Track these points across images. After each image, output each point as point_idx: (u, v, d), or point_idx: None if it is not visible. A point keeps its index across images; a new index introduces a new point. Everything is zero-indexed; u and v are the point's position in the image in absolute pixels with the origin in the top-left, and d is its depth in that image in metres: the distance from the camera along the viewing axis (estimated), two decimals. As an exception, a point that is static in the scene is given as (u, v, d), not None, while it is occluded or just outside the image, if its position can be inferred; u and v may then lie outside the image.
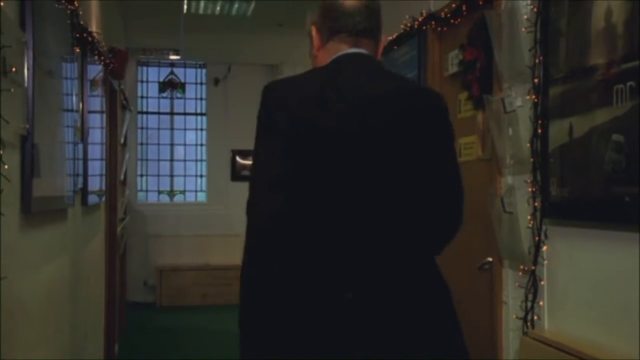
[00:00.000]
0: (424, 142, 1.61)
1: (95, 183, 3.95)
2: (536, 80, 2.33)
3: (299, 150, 1.54)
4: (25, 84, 2.09)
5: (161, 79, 8.73)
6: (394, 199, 1.59)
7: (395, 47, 3.94)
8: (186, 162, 8.76)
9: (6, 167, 1.78)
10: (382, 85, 1.63)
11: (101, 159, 4.31)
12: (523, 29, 2.43)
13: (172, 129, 8.76)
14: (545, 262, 2.33)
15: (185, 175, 8.75)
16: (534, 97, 2.34)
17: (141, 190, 8.64)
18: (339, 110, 1.57)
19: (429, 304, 1.61)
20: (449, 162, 1.68)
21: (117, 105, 5.57)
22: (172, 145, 8.74)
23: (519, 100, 2.46)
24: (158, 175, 8.71)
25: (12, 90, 1.83)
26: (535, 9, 2.35)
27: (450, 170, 1.68)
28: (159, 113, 8.74)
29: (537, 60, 2.33)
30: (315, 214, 1.55)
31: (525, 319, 2.41)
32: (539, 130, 2.31)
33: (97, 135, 4.04)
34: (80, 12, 3.20)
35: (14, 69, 1.84)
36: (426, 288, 1.61)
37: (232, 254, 8.06)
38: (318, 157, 1.55)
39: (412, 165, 1.60)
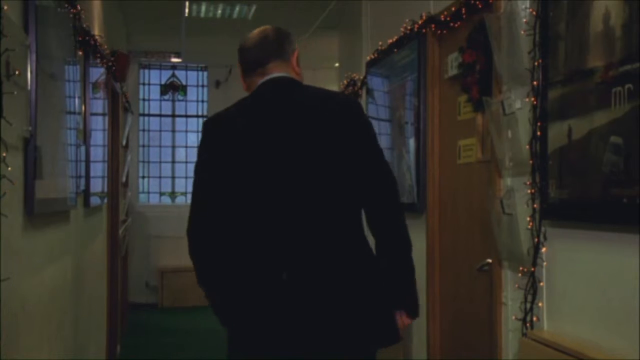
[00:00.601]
0: (345, 138, 1.92)
1: (98, 185, 3.97)
2: (535, 83, 2.34)
3: (233, 167, 1.91)
4: (28, 87, 2.11)
5: (162, 82, 8.76)
6: (323, 195, 1.90)
7: (395, 50, 3.96)
8: (187, 164, 8.78)
9: (9, 169, 1.79)
10: (298, 98, 1.99)
11: (103, 161, 4.33)
12: (522, 32, 2.44)
13: (173, 131, 8.78)
14: (545, 263, 2.34)
15: (186, 177, 8.77)
16: (533, 99, 2.35)
17: (143, 192, 8.66)
18: (265, 128, 1.92)
19: (354, 284, 1.90)
20: (373, 152, 1.97)
21: (119, 108, 5.59)
22: (173, 147, 8.77)
23: (518, 103, 2.48)
24: (160, 177, 8.73)
25: (15, 92, 1.85)
26: (534, 12, 2.37)
27: (376, 159, 1.97)
28: (160, 115, 8.76)
29: (536, 63, 2.34)
30: (256, 214, 1.90)
31: (524, 320, 2.42)
32: (538, 133, 2.32)
33: (99, 137, 4.06)
34: (83, 16, 3.21)
35: (17, 72, 1.86)
36: (352, 270, 1.90)
37: (233, 255, 8.05)
38: (252, 167, 1.90)
39: (338, 161, 1.91)
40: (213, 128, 1.99)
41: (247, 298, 1.89)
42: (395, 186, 2.01)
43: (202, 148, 1.98)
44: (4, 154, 1.75)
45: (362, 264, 1.94)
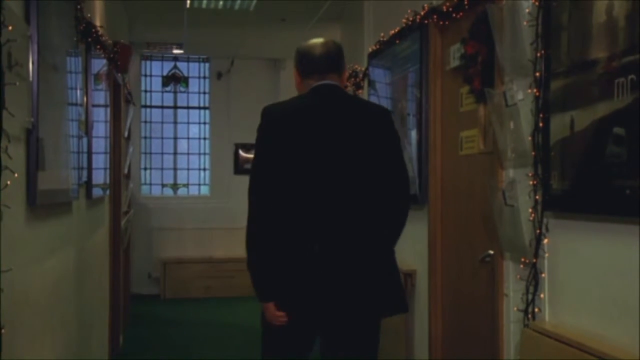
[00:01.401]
0: (376, 141, 2.34)
1: (100, 176, 3.97)
2: (537, 74, 2.34)
3: (287, 152, 2.27)
4: (30, 78, 2.11)
5: (164, 73, 8.75)
6: (354, 185, 2.30)
7: (397, 42, 3.95)
8: (189, 155, 8.78)
9: (12, 160, 1.79)
10: (346, 103, 2.42)
11: (105, 153, 4.33)
12: (525, 23, 2.43)
13: (175, 122, 8.78)
14: (546, 254, 2.34)
15: (188, 169, 8.77)
16: (535, 90, 2.35)
17: (145, 184, 8.66)
18: (316, 123, 2.32)
19: (373, 257, 2.31)
20: (397, 155, 2.40)
21: (121, 99, 5.59)
22: (175, 138, 8.77)
23: (521, 94, 2.47)
24: (161, 169, 8.73)
25: (17, 84, 1.85)
26: (536, 3, 2.36)
27: (398, 161, 2.39)
28: (162, 107, 8.75)
29: (538, 54, 2.34)
30: (298, 195, 2.29)
31: (526, 311, 2.43)
32: (540, 124, 2.32)
33: (101, 128, 4.06)
34: (85, 7, 3.21)
35: (19, 63, 1.86)
36: (372, 246, 2.32)
37: (234, 246, 8.08)
38: (302, 155, 2.28)
39: (368, 159, 2.32)
40: (274, 115, 2.34)
41: (287, 261, 2.28)
42: (409, 187, 2.42)
43: (265, 132, 2.32)
44: (7, 145, 1.75)
45: (381, 247, 2.35)
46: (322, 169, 2.29)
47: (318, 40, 2.47)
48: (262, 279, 2.31)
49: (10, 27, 1.75)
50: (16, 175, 1.87)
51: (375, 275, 2.31)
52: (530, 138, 2.39)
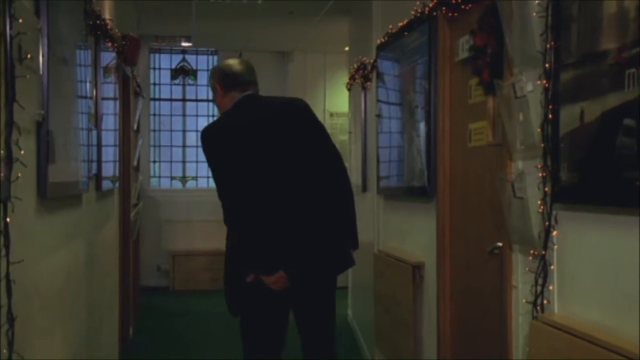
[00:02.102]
0: (305, 132, 2.84)
1: (109, 169, 3.99)
2: (547, 65, 2.33)
3: (236, 158, 2.75)
4: (40, 71, 2.12)
5: (173, 66, 8.76)
6: (301, 171, 2.80)
7: (406, 34, 3.93)
8: (198, 148, 8.80)
9: (22, 152, 1.81)
10: (268, 107, 2.91)
11: (115, 145, 4.35)
12: (534, 14, 2.42)
13: (184, 115, 8.80)
14: (555, 246, 2.34)
15: (197, 162, 8.80)
16: (545, 82, 2.34)
17: (154, 176, 8.70)
18: (249, 131, 2.79)
19: (324, 230, 2.85)
20: (325, 140, 2.89)
21: (130, 92, 5.60)
22: (184, 131, 8.79)
23: (530, 86, 2.46)
24: (170, 162, 8.76)
25: (28, 76, 1.86)
26: (546, -6, 2.34)
27: (328, 144, 2.89)
28: (171, 100, 8.77)
29: (548, 45, 2.32)
30: (255, 188, 2.75)
31: (535, 303, 2.42)
32: (550, 116, 2.31)
33: (110, 121, 4.07)
34: (94, 0, 3.22)
35: (29, 56, 1.87)
36: (321, 219, 2.83)
37: (244, 239, 8.10)
38: (248, 157, 2.75)
39: (303, 149, 2.81)
40: (217, 133, 2.83)
41: (267, 237, 2.76)
42: (341, 158, 2.91)
43: (212, 148, 2.80)
44: (17, 138, 1.76)
45: (328, 217, 2.85)
46: (267, 163, 2.76)
47: (235, 60, 3.01)
48: (267, 255, 2.75)
49: (20, 20, 1.76)
50: (27, 167, 1.88)
51: (326, 243, 2.84)
52: (539, 130, 2.38)
